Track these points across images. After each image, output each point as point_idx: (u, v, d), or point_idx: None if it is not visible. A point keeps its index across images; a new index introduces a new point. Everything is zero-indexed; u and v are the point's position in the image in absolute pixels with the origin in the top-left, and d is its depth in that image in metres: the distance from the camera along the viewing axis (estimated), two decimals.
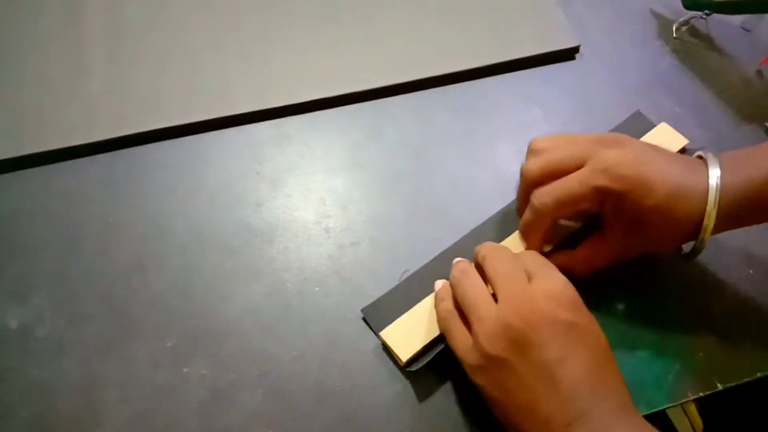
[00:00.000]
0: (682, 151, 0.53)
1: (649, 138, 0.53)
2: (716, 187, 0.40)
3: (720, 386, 0.44)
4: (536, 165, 0.44)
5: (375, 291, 0.47)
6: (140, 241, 0.49)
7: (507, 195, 0.51)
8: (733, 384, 0.44)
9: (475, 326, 0.38)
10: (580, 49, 0.59)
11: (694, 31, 0.62)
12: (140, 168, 0.52)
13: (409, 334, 0.44)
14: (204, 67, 0.56)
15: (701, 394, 0.44)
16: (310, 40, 0.58)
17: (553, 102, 0.57)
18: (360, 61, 0.57)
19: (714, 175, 0.41)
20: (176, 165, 0.52)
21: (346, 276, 0.47)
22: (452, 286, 0.42)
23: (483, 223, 0.49)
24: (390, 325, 0.44)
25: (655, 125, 0.54)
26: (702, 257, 0.49)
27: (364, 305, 0.46)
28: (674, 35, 0.61)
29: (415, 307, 0.45)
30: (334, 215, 0.50)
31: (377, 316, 0.45)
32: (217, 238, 0.49)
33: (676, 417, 0.93)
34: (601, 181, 0.41)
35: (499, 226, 0.49)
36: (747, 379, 0.45)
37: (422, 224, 0.50)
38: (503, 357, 0.37)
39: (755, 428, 0.63)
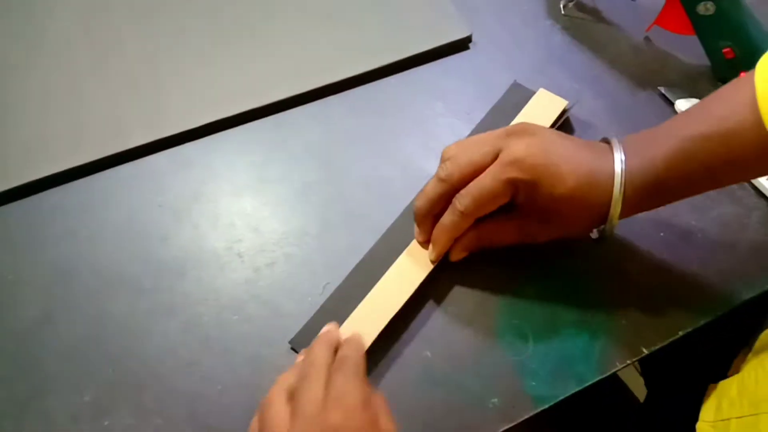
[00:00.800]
0: (563, 112, 0.54)
1: (531, 105, 0.54)
2: (621, 173, 0.41)
3: (645, 351, 0.45)
4: (450, 169, 0.44)
5: (296, 310, 0.46)
6: (45, 292, 0.46)
7: (418, 190, 0.50)
8: (658, 347, 0.45)
9: None
10: (475, 36, 0.60)
11: (581, 6, 0.63)
12: (35, 218, 0.49)
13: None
14: (90, 103, 0.54)
15: (628, 361, 0.45)
16: (199, 60, 0.57)
17: (454, 93, 0.57)
18: (255, 75, 0.56)
19: (618, 159, 0.41)
20: (74, 209, 0.50)
21: (264, 299, 0.46)
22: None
23: (395, 221, 0.49)
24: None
25: (533, 92, 0.55)
26: None
27: (287, 326, 0.45)
28: (563, 12, 0.62)
29: (342, 327, 0.44)
30: (246, 238, 0.49)
31: (306, 344, 0.44)
32: (125, 279, 0.47)
33: (628, 376, 0.95)
34: (512, 173, 0.41)
35: (411, 221, 0.48)
36: (670, 340, 0.46)
37: (338, 232, 0.50)
38: None
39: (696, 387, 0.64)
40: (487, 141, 0.44)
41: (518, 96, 0.55)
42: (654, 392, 0.69)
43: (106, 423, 0.42)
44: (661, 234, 0.50)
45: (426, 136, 0.54)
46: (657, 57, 0.60)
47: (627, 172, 0.41)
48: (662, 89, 0.57)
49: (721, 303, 0.47)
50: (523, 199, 0.43)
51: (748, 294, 0.47)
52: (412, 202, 0.50)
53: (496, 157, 0.43)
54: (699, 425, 0.44)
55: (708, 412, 0.44)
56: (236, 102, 0.54)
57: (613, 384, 0.81)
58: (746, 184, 0.52)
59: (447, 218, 0.45)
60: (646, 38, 0.61)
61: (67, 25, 0.58)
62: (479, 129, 0.54)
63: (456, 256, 0.46)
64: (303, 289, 0.47)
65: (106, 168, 0.51)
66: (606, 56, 0.59)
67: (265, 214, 0.50)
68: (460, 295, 0.47)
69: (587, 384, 0.44)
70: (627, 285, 0.48)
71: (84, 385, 0.43)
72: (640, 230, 0.50)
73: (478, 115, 0.55)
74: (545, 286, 0.47)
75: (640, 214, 0.50)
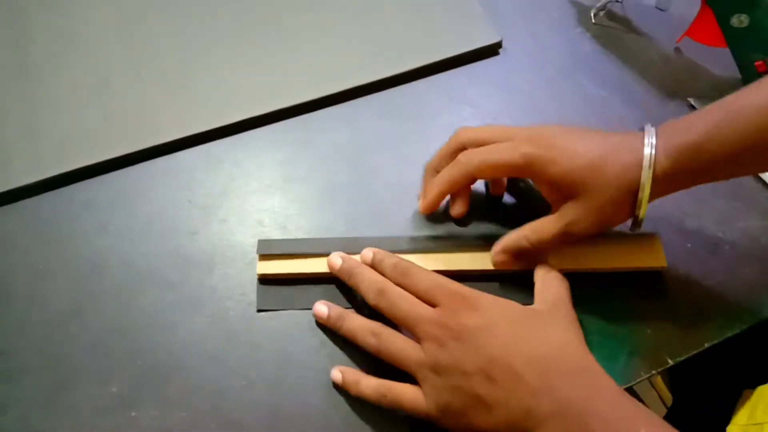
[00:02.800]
0: None
1: None
2: (650, 156, 0.40)
3: (671, 362, 0.45)
4: (471, 131, 0.47)
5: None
6: (74, 284, 0.47)
7: None
8: (683, 358, 0.45)
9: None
10: (504, 42, 0.60)
11: (611, 15, 0.63)
12: (67, 209, 0.50)
13: (284, 262, 0.46)
14: (123, 98, 0.54)
15: (653, 372, 0.44)
16: (231, 59, 0.57)
17: (481, 99, 0.57)
18: (284, 76, 0.56)
19: (648, 143, 0.41)
20: (104, 202, 0.50)
21: None
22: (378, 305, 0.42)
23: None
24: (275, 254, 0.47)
25: None
26: None
27: (312, 324, 0.45)
28: (593, 21, 0.62)
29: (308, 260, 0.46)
30: (273, 235, 0.49)
31: (268, 247, 0.47)
32: (153, 272, 0.47)
33: (644, 391, 0.94)
34: (528, 148, 0.43)
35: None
36: (696, 351, 0.45)
37: (363, 233, 0.49)
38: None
39: (724, 394, 0.64)
40: (509, 129, 0.46)
41: None
42: (680, 401, 0.69)
43: (132, 414, 0.42)
44: (688, 245, 0.50)
45: None
46: (687, 68, 0.59)
47: (657, 154, 0.40)
48: (692, 100, 0.57)
49: (747, 316, 0.47)
50: (544, 180, 0.43)
51: None
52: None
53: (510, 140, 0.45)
54: (730, 428, 0.44)
55: (741, 416, 0.44)
56: (265, 102, 0.55)
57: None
58: None
59: (445, 171, 0.47)
60: (677, 49, 0.60)
61: (101, 20, 0.59)
62: None
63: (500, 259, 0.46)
64: None
65: (137, 162, 0.52)
66: (635, 65, 0.59)
67: (292, 212, 0.50)
68: None
69: None
70: (653, 295, 0.47)
71: (110, 376, 0.43)
72: (666, 240, 0.49)
73: (505, 122, 0.55)
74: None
75: (666, 224, 0.50)
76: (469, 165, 0.45)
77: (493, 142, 0.45)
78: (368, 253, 0.45)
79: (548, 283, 0.44)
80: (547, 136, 0.43)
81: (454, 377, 0.38)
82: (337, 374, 0.42)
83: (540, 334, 0.39)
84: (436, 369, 0.39)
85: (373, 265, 0.45)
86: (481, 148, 0.45)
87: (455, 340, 0.39)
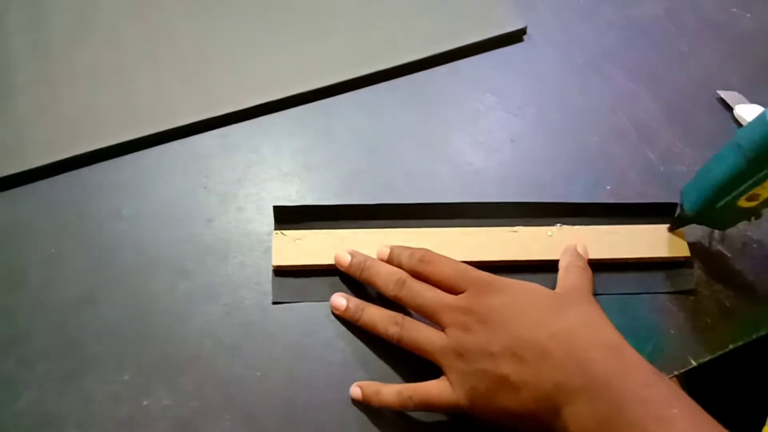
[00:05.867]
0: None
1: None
2: None
3: (694, 362, 0.44)
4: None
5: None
6: (87, 270, 0.46)
7: (465, 184, 0.50)
8: (707, 359, 0.44)
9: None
10: (529, 29, 0.58)
11: None
12: (81, 192, 0.49)
13: (299, 254, 0.45)
14: (139, 80, 0.53)
15: (676, 372, 0.44)
16: (249, 42, 0.56)
17: (506, 86, 0.56)
18: (303, 60, 0.55)
19: None
20: (119, 186, 0.49)
21: None
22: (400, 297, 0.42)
23: None
24: (290, 231, 0.46)
25: None
26: None
27: (328, 316, 0.44)
28: None
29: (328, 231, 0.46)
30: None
31: (285, 217, 0.47)
32: (168, 259, 0.46)
33: None
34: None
35: None
36: (720, 353, 0.44)
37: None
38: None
39: (742, 401, 0.63)
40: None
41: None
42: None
43: (144, 403, 0.41)
44: (719, 247, 0.49)
45: (475, 130, 0.53)
46: (717, 60, 0.58)
47: None
48: (721, 93, 0.55)
49: None
50: None
51: None
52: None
53: None
54: None
55: None
56: (283, 86, 0.54)
57: None
58: None
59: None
60: (706, 40, 0.59)
61: (118, 2, 0.58)
62: None
63: None
64: None
65: (152, 146, 0.51)
66: (663, 56, 0.58)
67: (310, 200, 0.49)
68: None
69: None
70: (677, 293, 0.46)
71: (123, 364, 0.43)
72: (693, 240, 0.48)
73: (530, 110, 0.54)
74: (594, 292, 0.46)
75: (698, 226, 0.48)
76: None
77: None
78: (383, 248, 0.45)
79: (570, 271, 0.43)
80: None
81: (481, 360, 0.37)
82: (356, 390, 0.41)
83: (565, 314, 0.38)
84: (462, 353, 0.38)
85: (387, 259, 0.44)
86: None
87: (480, 324, 0.38)
